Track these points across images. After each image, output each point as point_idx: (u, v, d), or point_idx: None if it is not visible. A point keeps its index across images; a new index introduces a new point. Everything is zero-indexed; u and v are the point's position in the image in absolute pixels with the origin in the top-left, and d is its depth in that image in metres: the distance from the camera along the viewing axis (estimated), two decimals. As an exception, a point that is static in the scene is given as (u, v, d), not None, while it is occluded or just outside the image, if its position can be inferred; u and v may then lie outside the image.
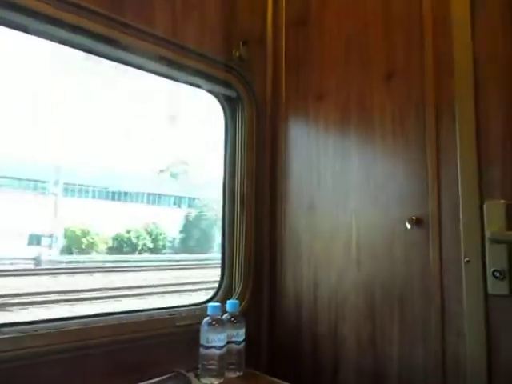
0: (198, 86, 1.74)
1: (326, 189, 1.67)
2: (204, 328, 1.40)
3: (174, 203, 26.89)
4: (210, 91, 1.80)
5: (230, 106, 1.85)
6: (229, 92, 1.79)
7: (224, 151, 1.84)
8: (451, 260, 1.29)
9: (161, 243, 24.01)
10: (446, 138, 1.33)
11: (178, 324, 1.51)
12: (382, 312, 1.45)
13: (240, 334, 1.48)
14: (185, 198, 27.41)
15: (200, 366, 1.40)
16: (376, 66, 1.55)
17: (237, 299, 1.66)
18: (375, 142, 1.53)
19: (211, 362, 1.38)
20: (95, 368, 1.29)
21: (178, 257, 20.31)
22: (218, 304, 1.45)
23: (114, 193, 24.30)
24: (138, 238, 22.75)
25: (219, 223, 1.86)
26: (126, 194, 24.59)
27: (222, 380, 1.39)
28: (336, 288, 1.59)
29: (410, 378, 1.36)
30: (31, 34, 1.33)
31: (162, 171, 29.63)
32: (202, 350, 1.39)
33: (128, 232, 22.53)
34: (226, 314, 1.49)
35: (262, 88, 1.87)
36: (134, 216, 22.89)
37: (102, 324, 1.35)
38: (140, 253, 22.25)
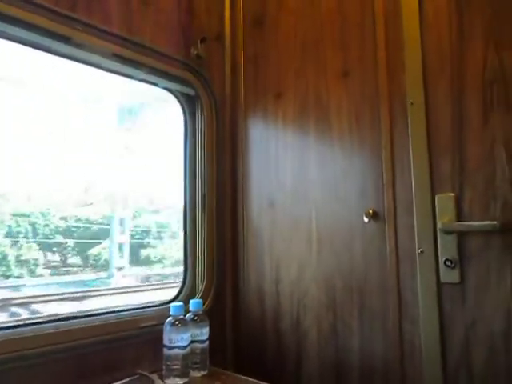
0: (155, 84, 1.72)
1: (285, 185, 1.69)
2: (166, 328, 1.39)
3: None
4: (167, 89, 1.78)
5: (189, 105, 1.83)
6: (186, 90, 1.78)
7: (184, 151, 1.82)
8: (406, 251, 1.34)
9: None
10: (399, 133, 1.38)
11: (142, 325, 1.49)
12: (342, 304, 1.49)
13: (204, 332, 1.48)
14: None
15: (164, 366, 1.38)
16: (332, 64, 1.58)
17: (200, 298, 1.65)
18: (333, 139, 1.56)
19: (175, 362, 1.37)
20: (60, 372, 1.27)
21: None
22: (179, 304, 1.44)
23: None
24: None
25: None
26: None
27: (186, 380, 1.38)
28: (297, 282, 1.61)
29: (371, 367, 1.40)
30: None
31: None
32: (165, 351, 1.38)
33: None
34: (190, 314, 1.49)
35: (221, 86, 1.87)
36: None
37: (65, 328, 1.31)
38: None
